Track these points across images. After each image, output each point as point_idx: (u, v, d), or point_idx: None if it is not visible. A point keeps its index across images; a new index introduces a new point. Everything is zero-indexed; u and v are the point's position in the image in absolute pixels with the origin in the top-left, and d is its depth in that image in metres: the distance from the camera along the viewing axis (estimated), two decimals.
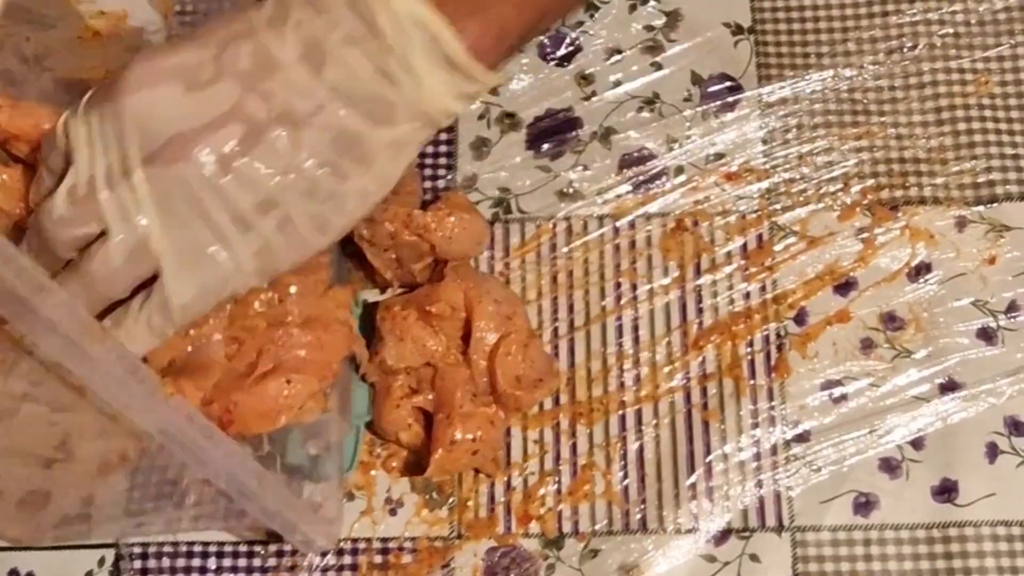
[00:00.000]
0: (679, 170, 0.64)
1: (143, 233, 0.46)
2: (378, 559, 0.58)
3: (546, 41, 0.67)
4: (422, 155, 0.64)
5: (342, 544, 0.58)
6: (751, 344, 0.60)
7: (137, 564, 0.58)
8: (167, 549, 0.58)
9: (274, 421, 0.52)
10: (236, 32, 0.47)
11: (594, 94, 0.66)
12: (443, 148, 0.65)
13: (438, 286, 0.58)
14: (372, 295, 0.62)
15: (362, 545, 0.58)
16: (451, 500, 0.58)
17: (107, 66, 0.61)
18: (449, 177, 0.64)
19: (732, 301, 0.61)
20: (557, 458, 0.59)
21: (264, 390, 0.52)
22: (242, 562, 0.58)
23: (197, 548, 0.58)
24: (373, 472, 0.59)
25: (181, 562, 0.58)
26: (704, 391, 0.60)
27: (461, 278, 0.58)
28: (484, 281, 0.59)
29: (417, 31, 0.46)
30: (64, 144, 0.48)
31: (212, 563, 0.58)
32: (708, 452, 0.58)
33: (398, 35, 0.46)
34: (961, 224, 0.62)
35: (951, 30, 0.65)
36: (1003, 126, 0.63)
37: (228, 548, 0.58)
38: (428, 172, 0.65)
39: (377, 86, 0.47)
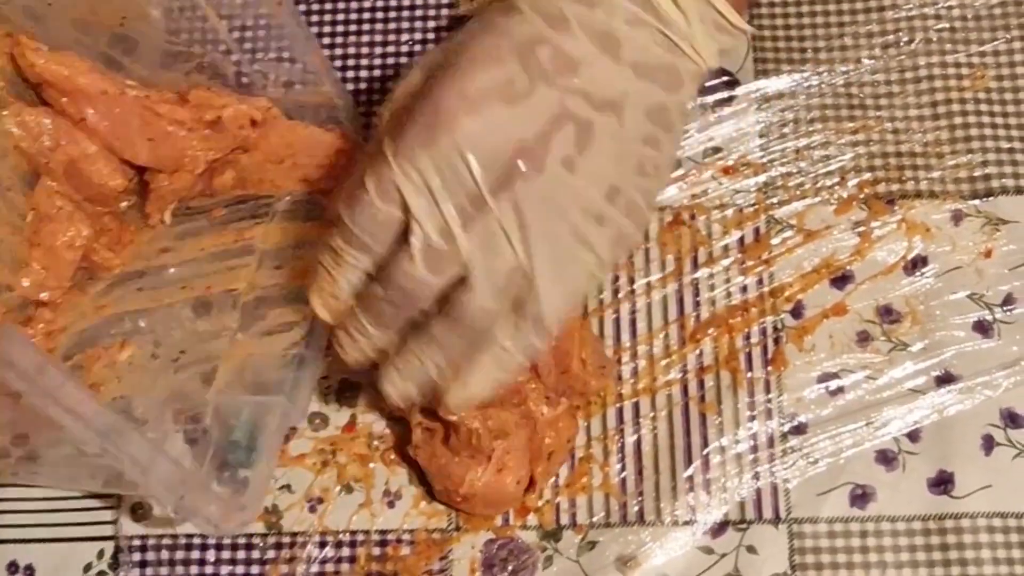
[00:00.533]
0: (677, 164, 0.64)
1: (515, 262, 0.47)
2: (376, 551, 0.58)
3: None
4: None
5: (341, 537, 0.58)
6: (748, 337, 0.60)
7: (136, 556, 0.58)
8: (166, 541, 0.59)
9: (506, 508, 0.57)
10: (525, 39, 0.47)
11: None
12: None
13: None
14: None
15: (360, 537, 0.58)
16: None
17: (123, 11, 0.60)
18: None
19: (729, 294, 0.61)
20: None
21: (502, 487, 0.55)
22: (240, 554, 0.58)
23: (196, 540, 0.58)
24: (372, 465, 0.59)
25: (180, 554, 0.58)
26: (701, 384, 0.60)
27: None
28: None
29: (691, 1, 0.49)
30: (391, 202, 0.46)
31: (211, 555, 0.58)
32: (705, 444, 0.59)
33: (674, 6, 0.49)
34: (957, 218, 0.62)
35: (947, 25, 0.66)
36: (999, 120, 0.63)
37: (227, 540, 0.58)
38: None
39: (667, 57, 0.49)
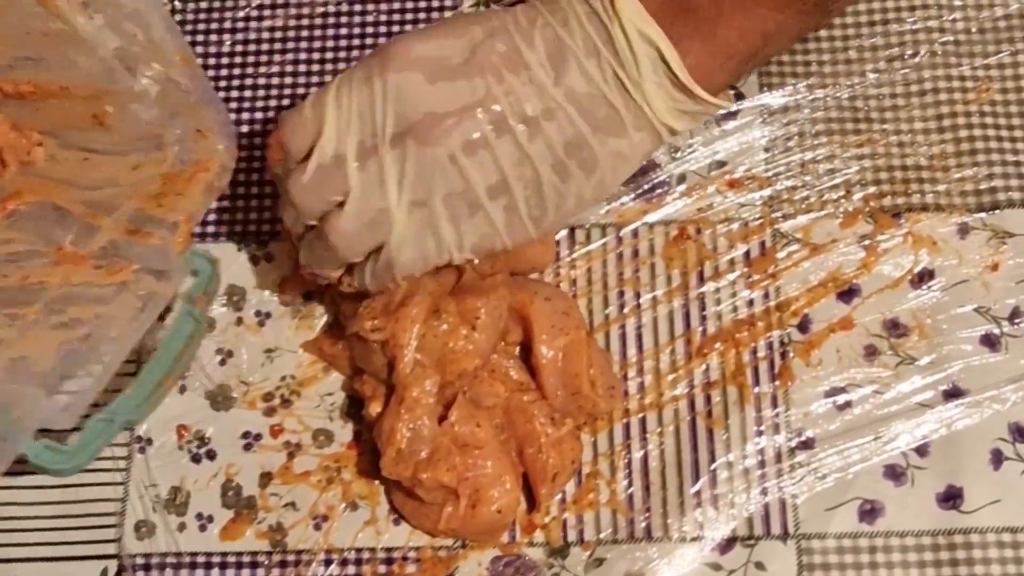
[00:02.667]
0: (682, 178, 0.64)
1: (384, 207, 0.51)
2: (382, 569, 0.57)
3: None
4: None
5: (346, 554, 0.58)
6: (755, 352, 0.60)
7: (139, 575, 0.58)
8: (170, 560, 0.58)
9: (503, 531, 0.57)
10: (493, 28, 0.52)
11: None
12: None
13: (473, 292, 0.56)
14: None
15: (366, 555, 0.58)
16: None
17: None
18: None
19: (735, 309, 0.61)
20: None
21: (481, 518, 0.55)
22: (245, 572, 0.58)
23: (200, 559, 0.58)
24: (377, 482, 0.59)
25: (184, 572, 0.58)
26: (708, 399, 0.60)
27: (503, 282, 0.57)
28: (527, 280, 0.59)
29: (646, 47, 0.50)
30: (314, 120, 0.52)
31: (215, 573, 0.58)
32: (712, 460, 0.58)
33: (629, 50, 0.50)
34: (963, 231, 0.62)
35: (951, 38, 0.66)
36: (1004, 133, 0.63)
37: (231, 559, 0.58)
38: None
39: (610, 96, 0.51)
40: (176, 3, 0.69)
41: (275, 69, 0.67)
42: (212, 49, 0.68)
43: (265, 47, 0.68)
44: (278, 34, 0.68)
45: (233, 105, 0.67)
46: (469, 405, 0.55)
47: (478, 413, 0.56)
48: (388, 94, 0.51)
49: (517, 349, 0.59)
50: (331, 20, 0.69)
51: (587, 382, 0.56)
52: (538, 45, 0.51)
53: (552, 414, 0.56)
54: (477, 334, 0.55)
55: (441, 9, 0.68)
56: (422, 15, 0.69)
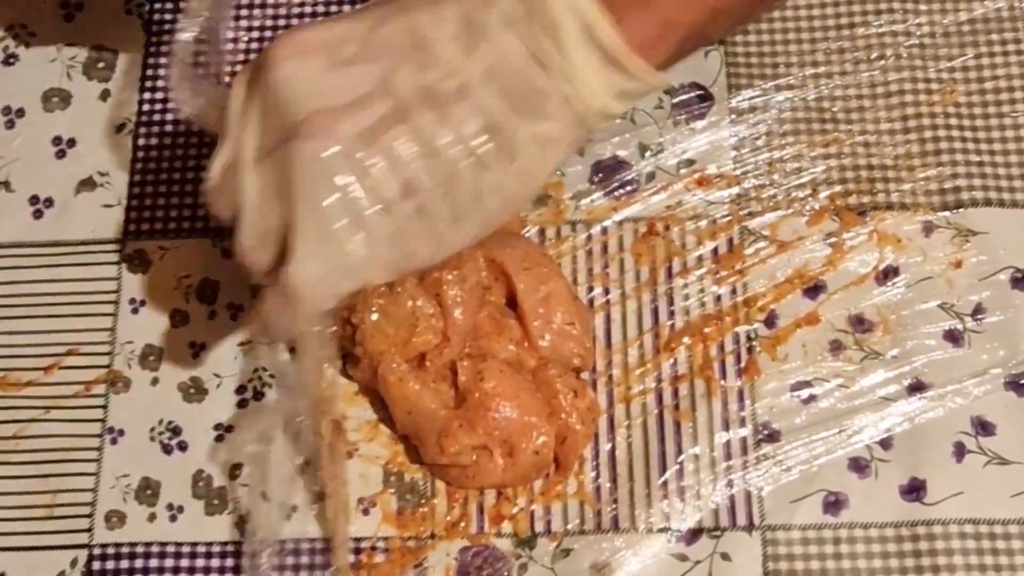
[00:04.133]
0: (651, 176, 0.65)
1: (273, 217, 0.45)
2: (351, 559, 0.58)
3: None
4: None
5: (314, 544, 0.58)
6: (722, 346, 0.61)
7: (110, 564, 0.58)
8: (140, 549, 0.58)
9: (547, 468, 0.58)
10: (394, 8, 0.46)
11: None
12: None
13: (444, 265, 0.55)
14: None
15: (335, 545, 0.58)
16: (423, 500, 0.59)
17: None
18: None
19: (703, 304, 0.62)
20: None
21: (522, 465, 0.56)
22: (215, 562, 0.58)
23: (170, 548, 0.58)
24: (344, 471, 0.59)
25: (154, 562, 0.58)
26: (676, 392, 0.60)
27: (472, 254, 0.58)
28: (499, 236, 0.58)
29: (573, 17, 0.44)
30: (218, 121, 0.48)
31: (185, 563, 0.58)
32: (680, 452, 0.59)
33: (553, 19, 0.44)
34: (928, 229, 0.63)
35: (917, 41, 0.67)
36: (968, 134, 0.64)
37: (201, 548, 0.58)
38: None
39: (530, 72, 0.45)
40: (154, 4, 0.70)
41: None
42: None
43: (242, 46, 0.69)
44: (255, 34, 0.69)
45: None
46: (472, 367, 0.57)
47: (485, 368, 0.57)
48: (276, 88, 0.45)
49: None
50: (308, 20, 0.69)
51: (571, 325, 0.58)
52: (448, 18, 0.45)
53: (575, 386, 0.58)
54: (450, 308, 0.57)
55: None
56: None
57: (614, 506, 0.58)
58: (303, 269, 0.45)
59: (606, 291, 0.62)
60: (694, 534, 0.57)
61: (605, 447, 0.59)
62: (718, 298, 0.62)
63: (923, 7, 0.67)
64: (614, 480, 0.59)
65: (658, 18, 0.45)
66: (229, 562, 0.58)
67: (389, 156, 0.45)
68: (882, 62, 0.66)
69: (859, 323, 0.61)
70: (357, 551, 0.58)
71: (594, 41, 0.44)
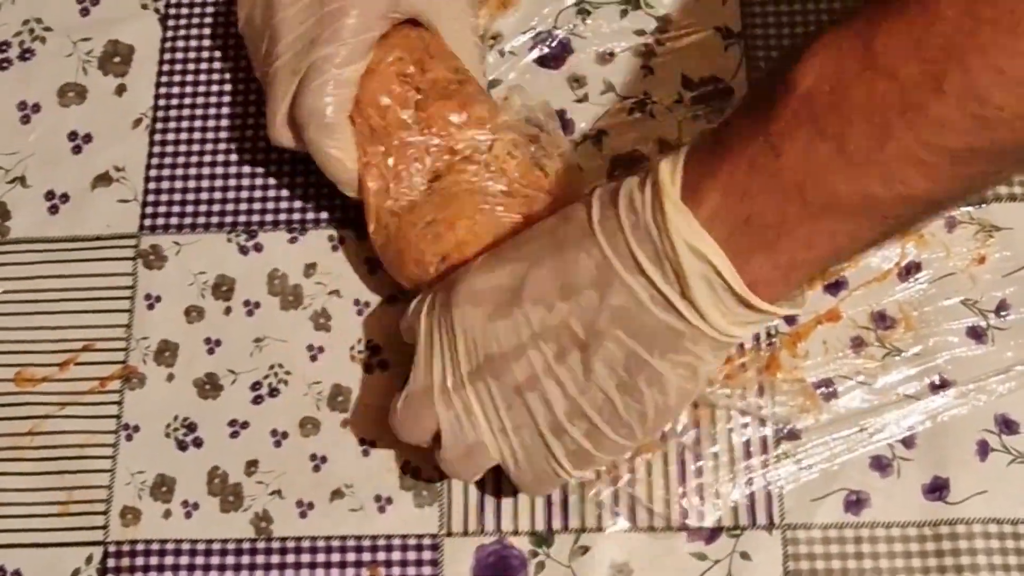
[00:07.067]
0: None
1: (477, 439, 0.52)
2: (367, 557, 0.57)
3: (539, 44, 0.67)
4: None
5: (331, 542, 0.58)
6: (742, 343, 0.60)
7: (126, 561, 0.58)
8: (155, 547, 0.58)
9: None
10: (539, 253, 0.51)
11: (586, 96, 0.66)
12: None
13: None
14: None
15: (351, 543, 0.58)
16: (440, 497, 0.58)
17: None
18: None
19: None
20: None
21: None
22: (230, 559, 0.58)
23: (185, 546, 0.58)
24: (362, 470, 0.59)
25: (169, 559, 0.58)
26: None
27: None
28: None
29: (697, 262, 0.47)
30: (412, 339, 0.54)
31: (200, 560, 0.58)
32: (699, 449, 0.58)
33: (679, 266, 0.47)
34: (951, 224, 0.62)
35: None
36: None
37: (216, 546, 0.58)
38: None
39: (659, 315, 0.49)
40: None
41: None
42: (193, 43, 0.69)
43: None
44: None
45: (227, 99, 0.67)
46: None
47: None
48: (459, 328, 0.51)
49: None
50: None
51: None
52: (585, 266, 0.49)
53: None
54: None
55: None
56: None
57: (632, 504, 0.58)
58: (523, 480, 0.54)
59: None
60: (713, 533, 0.57)
61: None
62: None
63: None
64: (632, 477, 0.58)
65: (782, 262, 0.48)
66: (244, 559, 0.58)
67: (550, 393, 0.51)
68: None
69: (881, 320, 0.60)
70: (374, 549, 0.57)
71: (722, 284, 0.47)
